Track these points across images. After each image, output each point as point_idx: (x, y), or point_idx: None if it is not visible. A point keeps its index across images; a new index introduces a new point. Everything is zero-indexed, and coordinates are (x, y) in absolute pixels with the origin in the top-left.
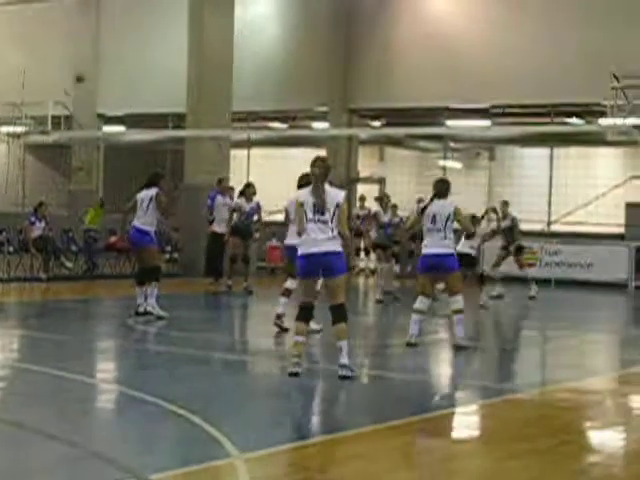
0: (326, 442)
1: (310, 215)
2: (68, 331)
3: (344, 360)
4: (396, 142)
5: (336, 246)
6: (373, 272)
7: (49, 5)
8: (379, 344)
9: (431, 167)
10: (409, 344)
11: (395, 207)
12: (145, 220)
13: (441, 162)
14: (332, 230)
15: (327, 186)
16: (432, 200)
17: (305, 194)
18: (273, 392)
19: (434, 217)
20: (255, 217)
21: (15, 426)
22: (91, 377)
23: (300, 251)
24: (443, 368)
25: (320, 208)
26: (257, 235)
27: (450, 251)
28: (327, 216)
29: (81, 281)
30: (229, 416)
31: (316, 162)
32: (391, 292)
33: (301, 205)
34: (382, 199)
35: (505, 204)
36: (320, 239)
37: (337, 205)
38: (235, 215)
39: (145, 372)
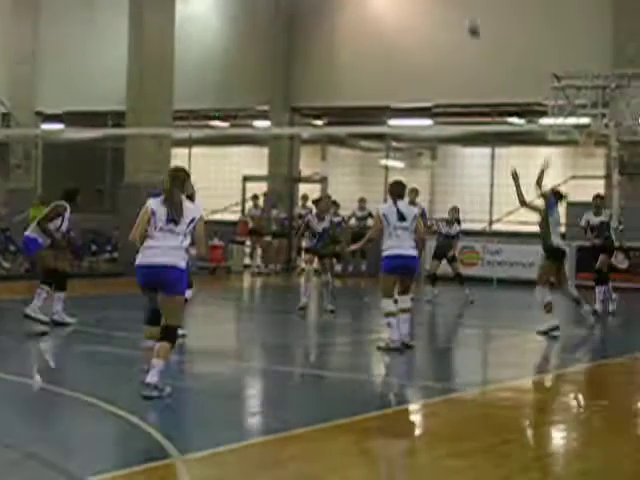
0: (267, 442)
1: (160, 224)
2: (4, 331)
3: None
4: (338, 141)
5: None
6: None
7: None
8: (322, 343)
9: (373, 166)
10: (395, 349)
11: (337, 205)
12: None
13: (383, 161)
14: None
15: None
16: (395, 202)
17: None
18: (214, 393)
19: (402, 217)
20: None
21: None
22: (27, 378)
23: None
24: (385, 367)
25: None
26: None
27: (416, 253)
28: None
29: (20, 281)
30: (169, 417)
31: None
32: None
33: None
34: (319, 202)
35: (455, 211)
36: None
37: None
38: None
39: (83, 373)
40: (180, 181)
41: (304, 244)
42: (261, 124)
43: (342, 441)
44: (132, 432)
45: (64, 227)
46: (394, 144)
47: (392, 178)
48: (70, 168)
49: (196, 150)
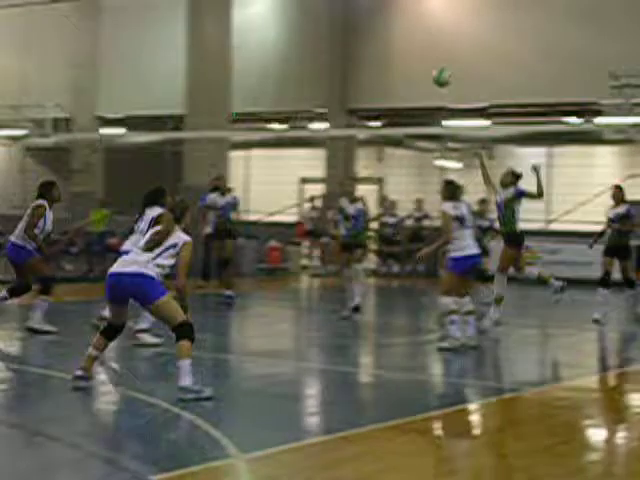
0: (326, 442)
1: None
2: (67, 332)
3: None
4: (395, 142)
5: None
6: (373, 272)
7: (48, 8)
8: (380, 343)
9: (430, 167)
10: (457, 348)
11: (394, 205)
12: None
13: (439, 162)
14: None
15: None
16: (458, 202)
17: None
18: (273, 393)
19: (464, 218)
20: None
21: (15, 428)
22: (90, 378)
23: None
24: (443, 367)
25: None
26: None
27: None
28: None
29: (81, 283)
30: (228, 416)
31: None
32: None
33: None
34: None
35: (483, 202)
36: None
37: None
38: (212, 214)
39: (142, 373)
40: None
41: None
42: (318, 126)
43: (401, 441)
44: (192, 431)
45: (48, 227)
46: (450, 144)
47: (448, 178)
48: (130, 172)
49: (254, 152)
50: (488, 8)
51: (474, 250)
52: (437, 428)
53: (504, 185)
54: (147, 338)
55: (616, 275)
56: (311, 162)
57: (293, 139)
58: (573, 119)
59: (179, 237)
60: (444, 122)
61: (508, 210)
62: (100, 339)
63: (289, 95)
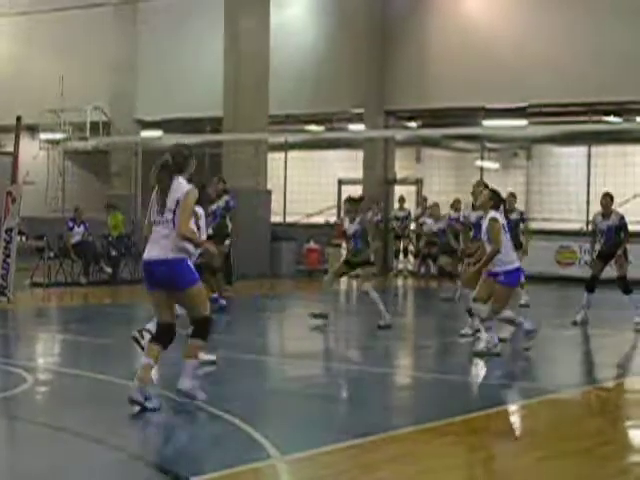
0: (365, 444)
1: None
2: (108, 335)
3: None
4: (433, 143)
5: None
6: (412, 273)
7: (87, 12)
8: (417, 345)
9: (468, 167)
10: (495, 354)
11: (437, 207)
12: None
13: (478, 162)
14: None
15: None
16: (501, 212)
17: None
18: (311, 394)
19: (505, 229)
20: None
21: (59, 430)
22: (132, 380)
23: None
24: (482, 369)
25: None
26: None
27: None
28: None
29: (122, 285)
30: (269, 418)
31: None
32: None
33: None
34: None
35: (512, 196)
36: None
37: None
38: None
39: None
40: (168, 169)
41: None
42: (356, 127)
43: (440, 443)
44: (232, 433)
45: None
46: (489, 145)
47: (487, 179)
48: None
49: (292, 154)
50: (524, 7)
51: (518, 261)
52: (476, 430)
53: (483, 208)
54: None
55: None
56: (349, 163)
57: (331, 140)
58: (613, 118)
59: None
60: (482, 122)
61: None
62: (153, 346)
63: (326, 97)
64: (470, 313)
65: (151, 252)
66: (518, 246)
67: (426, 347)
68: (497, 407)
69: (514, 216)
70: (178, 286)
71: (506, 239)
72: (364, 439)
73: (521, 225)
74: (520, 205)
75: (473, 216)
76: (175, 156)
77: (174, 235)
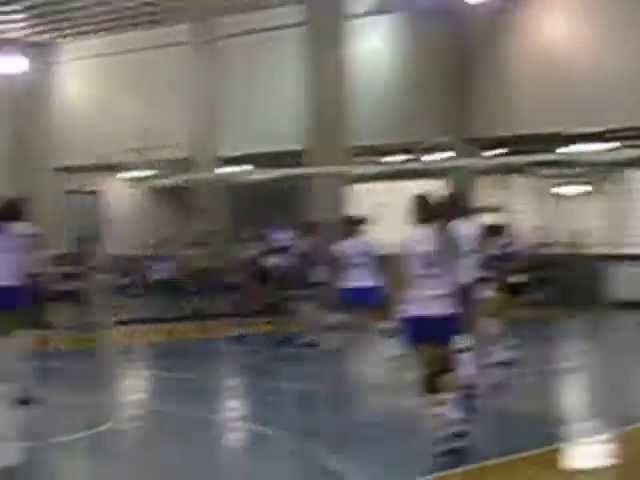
0: (453, 476)
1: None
2: (195, 370)
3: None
4: (516, 170)
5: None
6: None
7: (167, 51)
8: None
9: (551, 194)
10: None
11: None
12: None
13: (562, 189)
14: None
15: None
16: None
17: None
18: (394, 425)
19: None
20: None
21: (145, 467)
22: (217, 414)
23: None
24: (563, 398)
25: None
26: None
27: None
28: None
29: (206, 320)
30: (351, 450)
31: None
32: None
33: None
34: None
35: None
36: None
37: None
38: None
39: (269, 408)
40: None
41: None
42: (438, 157)
43: (527, 474)
44: (319, 466)
45: None
46: (577, 170)
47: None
48: (253, 209)
49: (375, 185)
50: (606, 29)
51: None
52: (567, 459)
53: None
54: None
55: None
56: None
57: (413, 171)
58: None
59: None
60: (564, 148)
61: None
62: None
63: (407, 126)
64: None
65: None
66: None
67: (511, 376)
68: (585, 437)
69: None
70: None
71: None
72: (451, 471)
73: None
74: (604, 230)
75: None
76: None
77: None
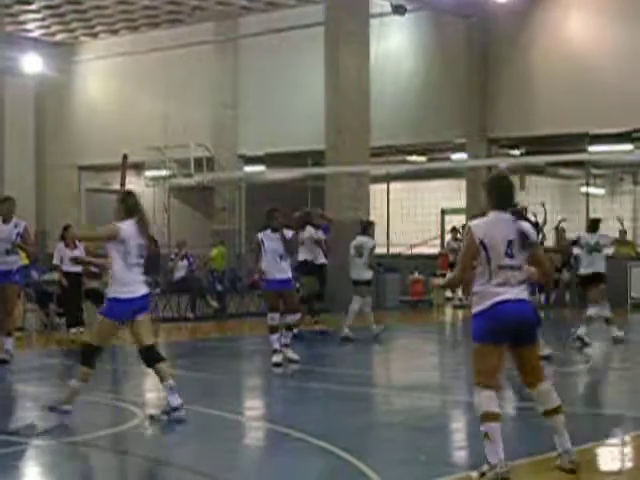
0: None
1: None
2: (216, 370)
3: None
4: (537, 170)
5: None
6: None
7: (188, 50)
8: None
9: (573, 194)
10: None
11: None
12: None
13: (583, 189)
14: None
15: None
16: None
17: None
18: (416, 426)
19: None
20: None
21: (168, 465)
22: (241, 414)
23: None
24: (586, 398)
25: None
26: None
27: None
28: None
29: (229, 320)
30: (375, 450)
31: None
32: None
33: None
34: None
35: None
36: None
37: None
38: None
39: (292, 408)
40: None
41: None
42: (458, 157)
43: (552, 476)
44: (342, 467)
45: None
46: (594, 171)
47: (593, 205)
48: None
49: (394, 185)
50: (628, 31)
51: None
52: (584, 462)
53: None
54: None
55: None
56: (452, 193)
57: (433, 170)
58: None
59: None
60: (588, 148)
61: None
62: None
63: (428, 126)
64: None
65: None
66: None
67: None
68: (611, 439)
69: None
70: None
71: None
72: (471, 472)
73: None
74: (629, 230)
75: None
76: None
77: None
